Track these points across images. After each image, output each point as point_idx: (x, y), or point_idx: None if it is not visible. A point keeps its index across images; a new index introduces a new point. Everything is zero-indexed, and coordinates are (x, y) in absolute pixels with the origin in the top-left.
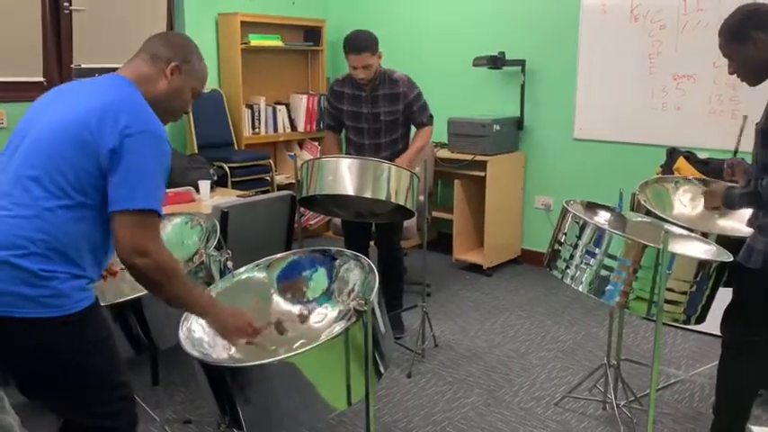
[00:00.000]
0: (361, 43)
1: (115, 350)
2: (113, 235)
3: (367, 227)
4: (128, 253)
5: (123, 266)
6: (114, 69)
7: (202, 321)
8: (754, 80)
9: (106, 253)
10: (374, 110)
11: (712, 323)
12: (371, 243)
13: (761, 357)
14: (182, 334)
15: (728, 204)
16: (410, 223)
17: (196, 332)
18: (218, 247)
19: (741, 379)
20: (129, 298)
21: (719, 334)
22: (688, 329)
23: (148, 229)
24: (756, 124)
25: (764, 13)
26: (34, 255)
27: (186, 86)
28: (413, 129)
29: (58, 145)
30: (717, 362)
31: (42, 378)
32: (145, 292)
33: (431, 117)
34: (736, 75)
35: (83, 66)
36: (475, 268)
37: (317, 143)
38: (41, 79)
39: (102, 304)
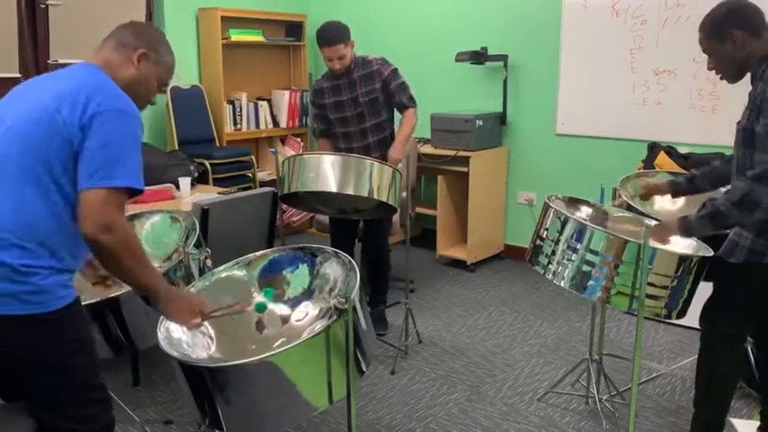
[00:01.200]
0: (332, 36)
1: (94, 351)
2: (79, 211)
3: (354, 224)
4: (93, 227)
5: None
6: None
7: None
8: (732, 77)
9: (82, 244)
10: (353, 94)
11: (693, 317)
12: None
13: (739, 350)
14: (160, 334)
15: (685, 232)
16: (393, 219)
17: (174, 332)
18: (198, 245)
19: (720, 372)
20: (106, 297)
21: (700, 328)
22: (669, 324)
23: (118, 207)
24: (738, 123)
25: (744, 10)
26: (13, 246)
27: (152, 75)
28: (398, 116)
29: (32, 133)
30: (697, 356)
31: (21, 377)
32: (122, 291)
33: (412, 98)
34: (715, 71)
35: (60, 61)
36: (458, 264)
37: (299, 139)
38: (18, 75)
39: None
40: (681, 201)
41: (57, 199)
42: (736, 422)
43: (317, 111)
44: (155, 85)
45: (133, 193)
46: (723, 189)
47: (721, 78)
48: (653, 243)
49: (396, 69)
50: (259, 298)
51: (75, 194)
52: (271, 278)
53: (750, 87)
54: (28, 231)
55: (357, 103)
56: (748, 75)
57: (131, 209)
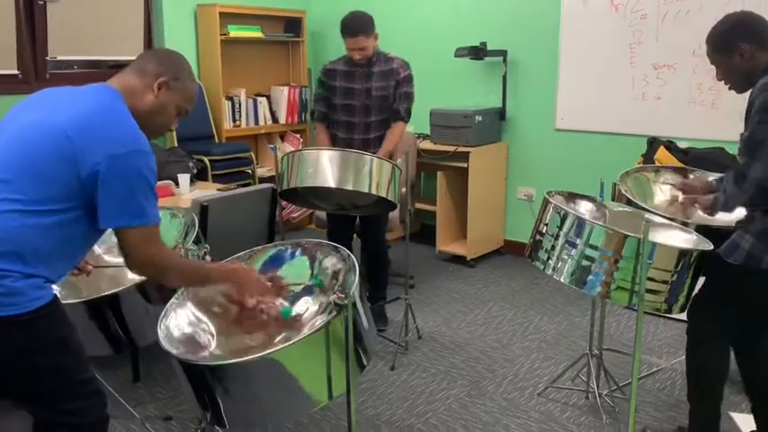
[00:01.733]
0: (355, 26)
1: (78, 347)
2: (121, 248)
3: (351, 220)
4: (141, 267)
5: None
6: (90, 62)
7: (182, 319)
8: (740, 87)
9: (69, 262)
10: (366, 85)
11: None
12: (354, 235)
13: (725, 344)
14: (160, 332)
15: (723, 208)
16: (393, 215)
17: (175, 329)
18: (197, 242)
19: (708, 363)
20: (105, 294)
21: None
22: (669, 318)
23: (155, 241)
24: (741, 134)
25: (751, 23)
26: None
27: (172, 103)
28: None
29: (35, 148)
30: None
31: (4, 377)
32: (121, 288)
33: (409, 112)
34: (723, 82)
35: (58, 58)
36: (458, 259)
37: (298, 135)
38: (16, 72)
39: (78, 300)
40: (680, 196)
41: (48, 221)
42: (735, 416)
43: (323, 92)
44: (173, 113)
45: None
46: None
47: (730, 89)
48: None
49: (411, 77)
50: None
51: (69, 220)
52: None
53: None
54: (6, 243)
55: (369, 96)
56: None
57: None
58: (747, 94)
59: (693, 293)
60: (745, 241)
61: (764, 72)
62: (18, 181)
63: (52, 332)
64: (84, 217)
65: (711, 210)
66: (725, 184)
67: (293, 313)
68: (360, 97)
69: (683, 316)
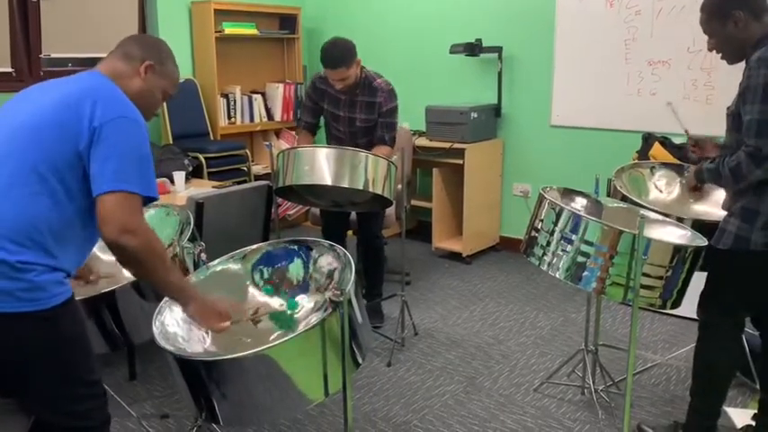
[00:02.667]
0: (335, 59)
1: (90, 347)
2: (98, 215)
3: (345, 216)
4: (115, 231)
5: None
6: (85, 59)
7: (177, 315)
8: (732, 58)
9: (81, 246)
10: (351, 114)
11: (688, 307)
12: (350, 232)
13: (736, 339)
14: (155, 328)
15: (698, 179)
16: (389, 212)
17: (170, 326)
18: (193, 239)
19: (717, 361)
20: (101, 292)
21: (694, 318)
22: (664, 314)
23: (136, 210)
24: (727, 108)
25: None
26: (10, 243)
27: (158, 86)
28: None
29: (37, 130)
30: (692, 345)
31: (16, 374)
32: (117, 285)
33: (393, 139)
34: (715, 51)
35: (52, 55)
36: (454, 256)
37: (293, 132)
38: (10, 70)
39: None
40: (676, 191)
41: (61, 199)
42: (730, 411)
43: (313, 105)
44: (159, 98)
45: (147, 201)
46: None
47: (722, 58)
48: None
49: (395, 107)
50: (258, 294)
51: (84, 197)
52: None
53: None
54: (25, 228)
55: (353, 125)
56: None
57: None
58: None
59: (701, 290)
60: (731, 225)
61: (755, 46)
62: (24, 164)
63: (70, 329)
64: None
65: (699, 179)
66: (727, 162)
67: (299, 306)
68: (344, 124)
69: (678, 311)
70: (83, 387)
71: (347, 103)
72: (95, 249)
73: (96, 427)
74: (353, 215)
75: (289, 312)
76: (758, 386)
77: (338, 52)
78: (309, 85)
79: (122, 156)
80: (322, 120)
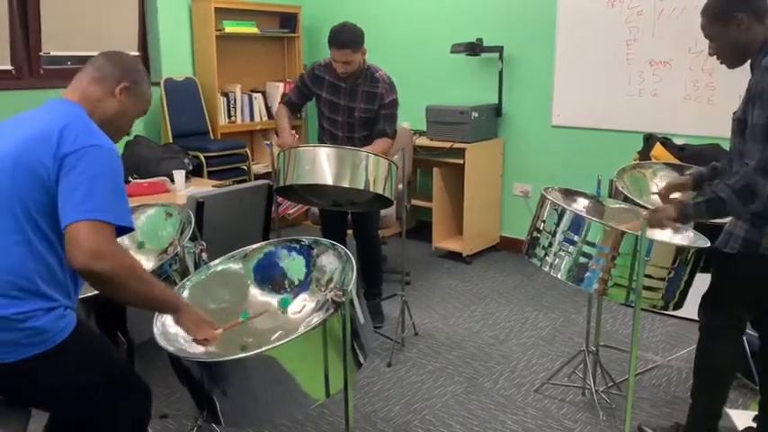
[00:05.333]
0: (343, 39)
1: (113, 355)
2: (66, 244)
3: (344, 216)
4: (86, 257)
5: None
6: (84, 58)
7: None
8: (733, 62)
9: (76, 281)
10: (351, 104)
11: (688, 308)
12: (349, 232)
13: (738, 341)
14: (156, 329)
15: (682, 216)
16: (389, 212)
17: (171, 327)
18: (193, 239)
19: (718, 362)
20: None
21: (696, 319)
22: (665, 315)
23: (103, 235)
24: (734, 113)
25: None
26: (3, 297)
27: (133, 108)
28: None
29: (8, 176)
30: (693, 347)
31: (50, 403)
32: None
33: (394, 132)
34: (716, 57)
35: (52, 53)
36: (454, 256)
37: (294, 131)
38: (9, 67)
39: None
40: (677, 192)
41: (37, 241)
42: (731, 412)
43: (305, 90)
44: (133, 118)
45: (122, 231)
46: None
47: (721, 63)
48: (649, 230)
49: (396, 99)
50: (259, 293)
51: (58, 235)
52: (267, 271)
53: (749, 77)
54: (9, 279)
55: (352, 115)
56: (748, 63)
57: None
58: (743, 91)
59: (702, 292)
60: (740, 228)
61: (761, 50)
62: (4, 215)
63: (83, 353)
64: None
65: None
66: (731, 185)
67: (291, 303)
68: (343, 113)
69: (679, 312)
70: (120, 390)
71: (348, 91)
72: None
73: (139, 419)
74: (350, 215)
75: (281, 311)
76: (758, 387)
77: (348, 33)
78: (307, 70)
79: (93, 184)
80: (313, 115)
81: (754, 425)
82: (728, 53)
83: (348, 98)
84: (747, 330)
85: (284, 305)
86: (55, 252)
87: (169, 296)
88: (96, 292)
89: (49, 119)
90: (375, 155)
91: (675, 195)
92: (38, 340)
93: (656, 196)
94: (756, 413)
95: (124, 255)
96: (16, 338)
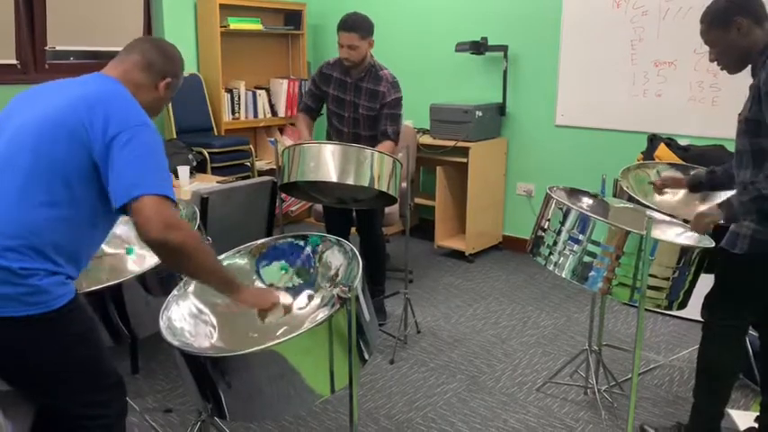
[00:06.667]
0: (352, 23)
1: (100, 340)
2: (137, 219)
3: (348, 213)
4: (160, 230)
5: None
6: (89, 52)
7: (184, 310)
8: (734, 67)
9: (86, 253)
10: (355, 99)
11: (690, 309)
12: (353, 230)
13: (740, 342)
14: (162, 323)
15: (731, 217)
16: (393, 210)
17: (177, 321)
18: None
19: (721, 363)
20: (106, 285)
21: (698, 319)
22: (667, 315)
23: (171, 208)
24: (739, 115)
25: None
26: (9, 250)
27: (168, 99)
28: None
29: (45, 137)
30: (696, 347)
31: (30, 373)
32: (123, 279)
33: (397, 133)
34: (717, 63)
35: (57, 48)
36: (457, 254)
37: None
38: (15, 62)
39: (79, 292)
40: (681, 193)
41: (65, 208)
42: (733, 413)
43: (316, 90)
44: (163, 107)
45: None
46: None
47: (722, 69)
48: (693, 232)
49: (399, 99)
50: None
51: (89, 206)
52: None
53: (751, 80)
54: (24, 235)
55: (357, 112)
56: (749, 67)
57: None
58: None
59: (706, 292)
60: (747, 228)
61: (763, 52)
62: (30, 173)
63: (77, 327)
64: (100, 204)
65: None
66: (764, 186)
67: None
68: (349, 109)
69: (681, 312)
70: (98, 378)
71: (353, 87)
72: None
73: (110, 416)
74: (354, 212)
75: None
76: (760, 388)
77: (358, 18)
78: (317, 71)
79: (148, 160)
80: (323, 109)
81: (756, 425)
82: (729, 58)
83: (353, 94)
84: (749, 332)
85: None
86: (78, 223)
87: (232, 273)
88: (100, 286)
89: (95, 90)
90: (380, 152)
91: (668, 191)
92: (36, 300)
93: (657, 196)
94: (758, 413)
95: (191, 226)
96: (15, 293)
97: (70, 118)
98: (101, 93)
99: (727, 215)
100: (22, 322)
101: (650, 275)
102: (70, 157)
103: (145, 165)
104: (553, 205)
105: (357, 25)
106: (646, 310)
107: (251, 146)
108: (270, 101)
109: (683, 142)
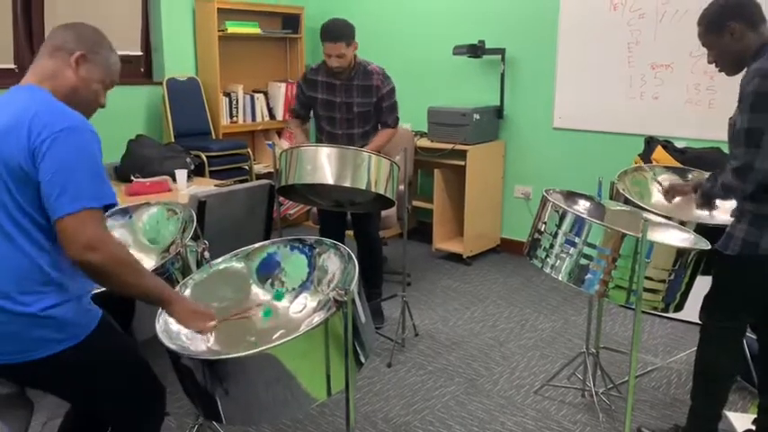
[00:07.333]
0: (336, 32)
1: (132, 347)
2: (59, 238)
3: (343, 216)
4: (78, 250)
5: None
6: None
7: None
8: (731, 70)
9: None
10: (347, 99)
11: (687, 311)
12: (349, 233)
13: (738, 344)
14: (158, 326)
15: (706, 199)
16: (390, 213)
17: (173, 324)
18: (195, 238)
19: (718, 365)
20: (102, 288)
21: (695, 321)
22: (664, 317)
23: (93, 224)
24: (730, 118)
25: (740, 2)
26: (23, 294)
27: (93, 78)
28: None
29: None
30: (693, 349)
31: (84, 397)
32: None
33: (397, 120)
34: (715, 65)
35: None
36: (454, 257)
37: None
38: (13, 66)
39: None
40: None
41: (31, 233)
42: (731, 415)
43: (303, 98)
44: (99, 88)
45: (106, 208)
46: None
47: (720, 71)
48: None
49: (393, 88)
50: (260, 292)
51: (49, 222)
52: (269, 270)
53: None
54: (26, 280)
55: (350, 111)
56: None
57: (130, 201)
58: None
59: (703, 294)
60: (739, 230)
61: (754, 57)
62: (7, 213)
63: (110, 344)
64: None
65: (703, 203)
66: (720, 178)
67: (271, 315)
68: (341, 111)
69: (679, 315)
70: (144, 382)
71: (343, 88)
72: None
73: (151, 421)
74: (349, 215)
75: (274, 302)
76: (758, 390)
77: (340, 27)
78: (301, 78)
79: (70, 171)
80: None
81: (754, 427)
82: (725, 61)
83: (344, 95)
84: (747, 334)
85: (277, 297)
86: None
87: (161, 287)
88: (96, 290)
89: (12, 110)
90: (377, 155)
91: (677, 199)
92: (67, 334)
93: (660, 196)
94: (755, 416)
95: (114, 244)
96: (46, 335)
97: (1, 153)
98: (22, 109)
99: (700, 193)
100: (62, 357)
101: (646, 278)
102: (20, 190)
103: (66, 177)
104: (549, 208)
105: (342, 33)
106: (643, 312)
107: (249, 149)
108: (268, 104)
109: (679, 145)
